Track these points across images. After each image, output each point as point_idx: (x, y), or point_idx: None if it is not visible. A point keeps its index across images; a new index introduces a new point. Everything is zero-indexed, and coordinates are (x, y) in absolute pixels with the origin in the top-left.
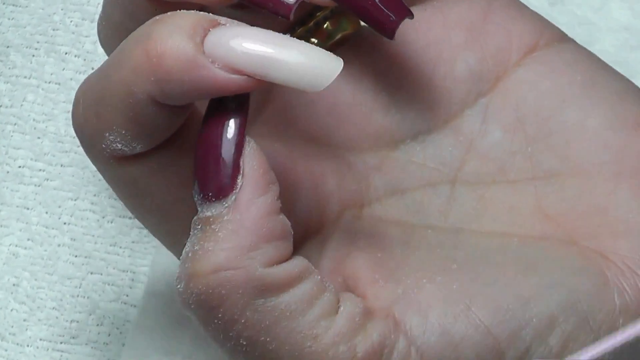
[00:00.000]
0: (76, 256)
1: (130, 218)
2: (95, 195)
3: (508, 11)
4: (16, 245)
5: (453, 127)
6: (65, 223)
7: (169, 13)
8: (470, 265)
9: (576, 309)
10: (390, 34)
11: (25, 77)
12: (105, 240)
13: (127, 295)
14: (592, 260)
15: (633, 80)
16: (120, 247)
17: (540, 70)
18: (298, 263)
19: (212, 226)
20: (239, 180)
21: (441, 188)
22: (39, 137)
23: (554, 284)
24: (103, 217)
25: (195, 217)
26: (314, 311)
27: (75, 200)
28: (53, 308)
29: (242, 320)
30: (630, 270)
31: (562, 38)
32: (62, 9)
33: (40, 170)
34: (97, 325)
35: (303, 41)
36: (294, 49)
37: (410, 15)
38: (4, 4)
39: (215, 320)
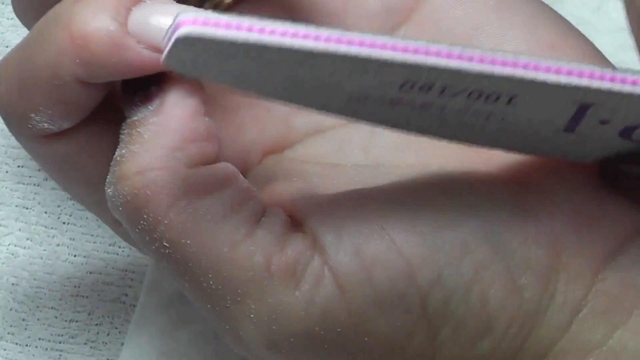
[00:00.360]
0: (75, 256)
1: None
2: None
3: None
4: (15, 245)
5: None
6: (64, 223)
7: None
8: (386, 189)
9: (489, 237)
10: None
11: None
12: (105, 240)
13: (127, 295)
14: (508, 188)
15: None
16: (120, 247)
17: None
18: (224, 167)
19: (138, 129)
20: (164, 85)
21: (363, 127)
22: None
23: (469, 210)
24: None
25: (122, 123)
26: (235, 217)
27: (74, 200)
28: (52, 308)
29: (165, 222)
30: (548, 200)
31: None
32: None
33: (39, 169)
34: (96, 324)
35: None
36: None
37: None
38: (2, 3)
39: (141, 222)
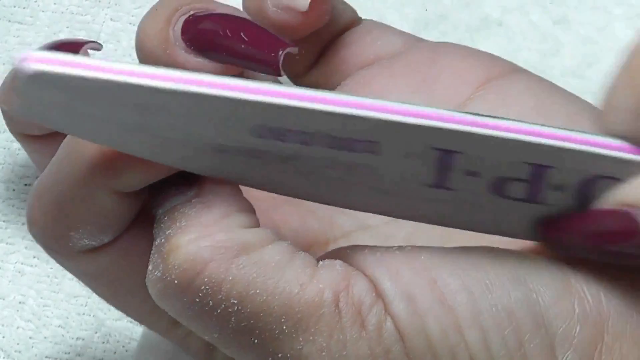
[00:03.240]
0: None
1: None
2: None
3: (455, 52)
4: (22, 263)
5: None
6: None
7: None
8: (437, 248)
9: (534, 310)
10: (276, 69)
11: None
12: None
13: None
14: (557, 264)
15: None
16: None
17: (494, 99)
18: (268, 230)
19: (181, 210)
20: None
21: (405, 223)
22: None
23: (517, 279)
24: None
25: (157, 217)
26: (296, 262)
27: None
28: (59, 326)
29: (230, 278)
30: (593, 280)
31: (514, 69)
32: (67, 27)
33: None
34: (103, 343)
35: None
36: None
37: (291, 46)
38: (9, 21)
39: (202, 287)
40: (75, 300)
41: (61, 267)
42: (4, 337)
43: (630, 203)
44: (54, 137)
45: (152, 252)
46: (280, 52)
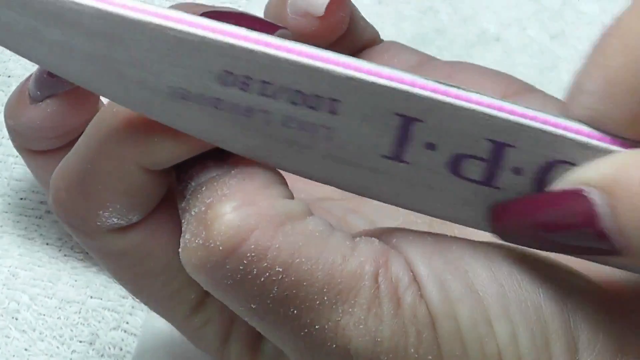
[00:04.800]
0: (76, 280)
1: None
2: None
3: (472, 70)
4: (16, 267)
5: None
6: (65, 255)
7: None
8: (468, 240)
9: (560, 310)
10: None
11: None
12: (105, 273)
13: (128, 323)
14: (580, 275)
15: None
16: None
17: None
18: (306, 203)
19: (221, 180)
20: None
21: (419, 227)
22: None
23: (545, 279)
24: None
25: (190, 189)
26: (337, 234)
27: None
28: (54, 337)
29: (276, 245)
30: (617, 289)
31: (530, 89)
32: None
33: (41, 202)
34: (100, 356)
35: None
36: None
37: (283, 28)
38: None
39: (247, 254)
40: (69, 307)
41: (55, 273)
42: None
43: (584, 182)
44: (58, 153)
45: (186, 222)
46: (273, 34)
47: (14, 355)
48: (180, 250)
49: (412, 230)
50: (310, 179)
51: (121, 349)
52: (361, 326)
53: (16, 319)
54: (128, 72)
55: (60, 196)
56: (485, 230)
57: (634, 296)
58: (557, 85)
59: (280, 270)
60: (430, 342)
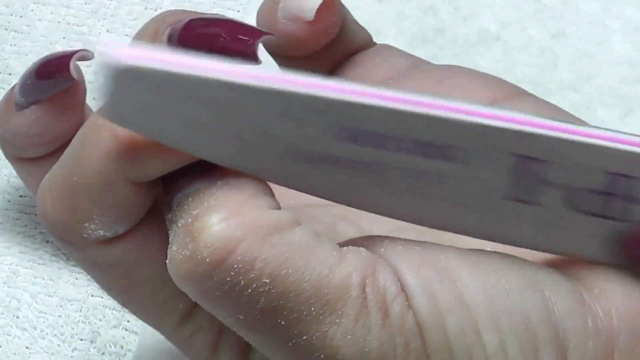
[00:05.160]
0: (77, 279)
1: None
2: None
3: (463, 73)
4: (17, 265)
5: None
6: (65, 253)
7: None
8: (456, 249)
9: (551, 320)
10: (253, 56)
11: None
12: None
13: (129, 321)
14: (571, 279)
15: (633, 115)
16: None
17: None
18: (293, 212)
19: (207, 192)
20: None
21: (408, 233)
22: None
23: (534, 287)
24: None
25: (177, 200)
26: (324, 245)
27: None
28: (54, 335)
29: (263, 257)
30: (605, 296)
31: (521, 92)
32: (64, 38)
33: None
34: (101, 354)
35: None
36: None
37: (267, 34)
38: (6, 30)
39: (234, 266)
40: (70, 305)
41: (56, 272)
42: (0, 346)
43: None
44: (47, 160)
45: (173, 234)
46: (257, 40)
47: (14, 353)
48: (167, 261)
49: (400, 239)
50: (426, 225)
51: (122, 347)
52: (349, 337)
53: (17, 317)
54: (244, 136)
55: (46, 209)
56: (612, 262)
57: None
58: (557, 84)
59: (268, 281)
60: (418, 352)
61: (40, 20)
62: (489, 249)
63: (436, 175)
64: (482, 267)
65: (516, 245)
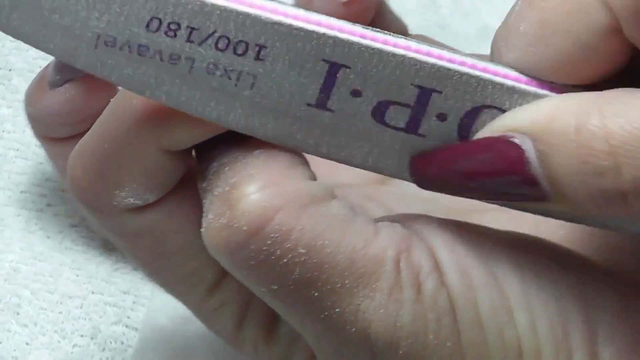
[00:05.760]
0: (78, 275)
1: None
2: None
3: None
4: (17, 262)
5: None
6: (66, 248)
7: None
8: (492, 229)
9: (580, 300)
10: None
11: None
12: (107, 266)
13: (129, 318)
14: (598, 265)
15: None
16: (122, 273)
17: None
18: (329, 185)
19: (244, 161)
20: None
21: (437, 215)
22: (41, 163)
23: (565, 268)
24: (104, 245)
25: (213, 169)
26: (360, 218)
27: (76, 226)
28: (55, 332)
29: (300, 227)
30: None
31: None
32: None
33: (41, 195)
34: (101, 350)
35: None
36: None
37: None
38: None
39: (272, 235)
40: (71, 302)
41: (57, 268)
42: (0, 342)
43: (513, 128)
44: (79, 139)
45: (208, 202)
46: None
47: (15, 350)
48: (202, 230)
49: (435, 217)
50: (234, 129)
51: (122, 343)
52: (381, 311)
53: (18, 314)
54: (53, 18)
55: (76, 175)
56: (408, 180)
57: None
58: None
59: (303, 252)
60: (450, 329)
61: None
62: (523, 231)
63: (244, 74)
64: (515, 247)
65: (314, 154)
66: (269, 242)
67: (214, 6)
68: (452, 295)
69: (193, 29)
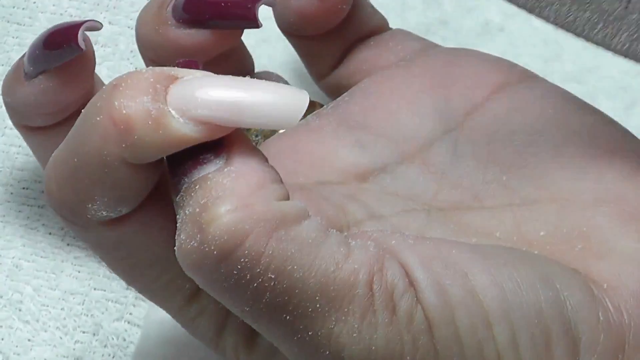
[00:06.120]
0: (79, 272)
1: None
2: None
3: (474, 56)
4: (19, 259)
5: (423, 159)
6: (68, 244)
7: (125, 75)
8: (467, 243)
9: (563, 313)
10: (254, 21)
11: None
12: None
13: (131, 314)
14: (579, 274)
15: (636, 106)
16: None
17: (511, 106)
18: (301, 203)
19: (214, 179)
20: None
21: (417, 215)
22: None
23: (546, 280)
24: None
25: (184, 186)
26: (331, 239)
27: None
28: (57, 328)
29: (270, 252)
30: (614, 291)
31: (532, 77)
32: None
33: (43, 192)
34: (103, 346)
35: (265, 80)
36: (260, 89)
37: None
38: (8, 22)
39: (241, 259)
40: (73, 299)
41: (59, 265)
42: (2, 339)
43: None
44: (56, 129)
45: (181, 221)
46: (257, 4)
47: (17, 346)
48: (175, 249)
49: (410, 235)
50: None
51: (124, 339)
52: (355, 334)
53: (20, 310)
54: None
55: (51, 188)
56: None
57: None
58: (561, 76)
59: (273, 277)
60: (427, 348)
61: (42, 12)
62: (497, 235)
63: None
64: (493, 261)
65: None
66: (239, 266)
67: None
68: (428, 313)
69: None
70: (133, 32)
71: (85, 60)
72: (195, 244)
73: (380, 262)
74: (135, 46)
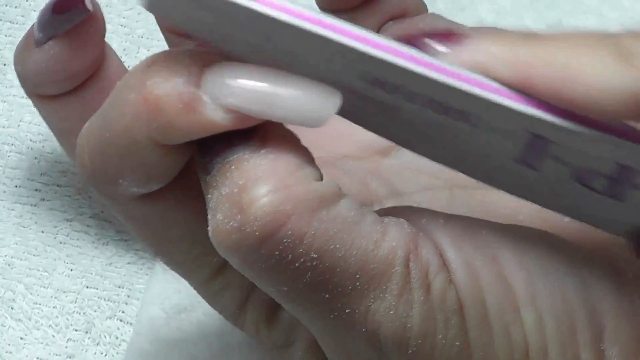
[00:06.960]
0: (72, 270)
1: (125, 240)
2: (90, 217)
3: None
4: (12, 257)
5: None
6: (61, 242)
7: (161, 53)
8: (497, 224)
9: (587, 299)
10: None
11: (22, 96)
12: (101, 260)
13: (123, 312)
14: (603, 262)
15: None
16: (116, 267)
17: None
18: (336, 182)
19: (251, 161)
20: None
21: (440, 192)
22: (35, 158)
23: (573, 266)
24: (98, 239)
25: (217, 166)
26: (368, 217)
27: (71, 221)
28: (49, 326)
29: (312, 232)
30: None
31: None
32: None
33: (36, 190)
34: (95, 344)
35: (300, 76)
36: (292, 84)
37: None
38: (1, 20)
39: (284, 240)
40: (65, 297)
41: (51, 263)
42: None
43: None
44: (68, 97)
45: (216, 201)
46: None
47: (9, 344)
48: (211, 229)
49: (440, 213)
50: (442, 163)
51: (117, 338)
52: (391, 312)
53: (12, 308)
54: (281, 59)
55: (83, 160)
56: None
57: None
58: None
59: (315, 256)
60: (458, 328)
61: (35, 10)
62: (521, 218)
63: (450, 128)
64: (522, 244)
65: (524, 199)
66: (280, 247)
67: (427, 79)
68: (460, 293)
69: (409, 90)
70: (126, 30)
71: (94, 24)
72: (236, 225)
73: (415, 241)
74: (128, 44)
